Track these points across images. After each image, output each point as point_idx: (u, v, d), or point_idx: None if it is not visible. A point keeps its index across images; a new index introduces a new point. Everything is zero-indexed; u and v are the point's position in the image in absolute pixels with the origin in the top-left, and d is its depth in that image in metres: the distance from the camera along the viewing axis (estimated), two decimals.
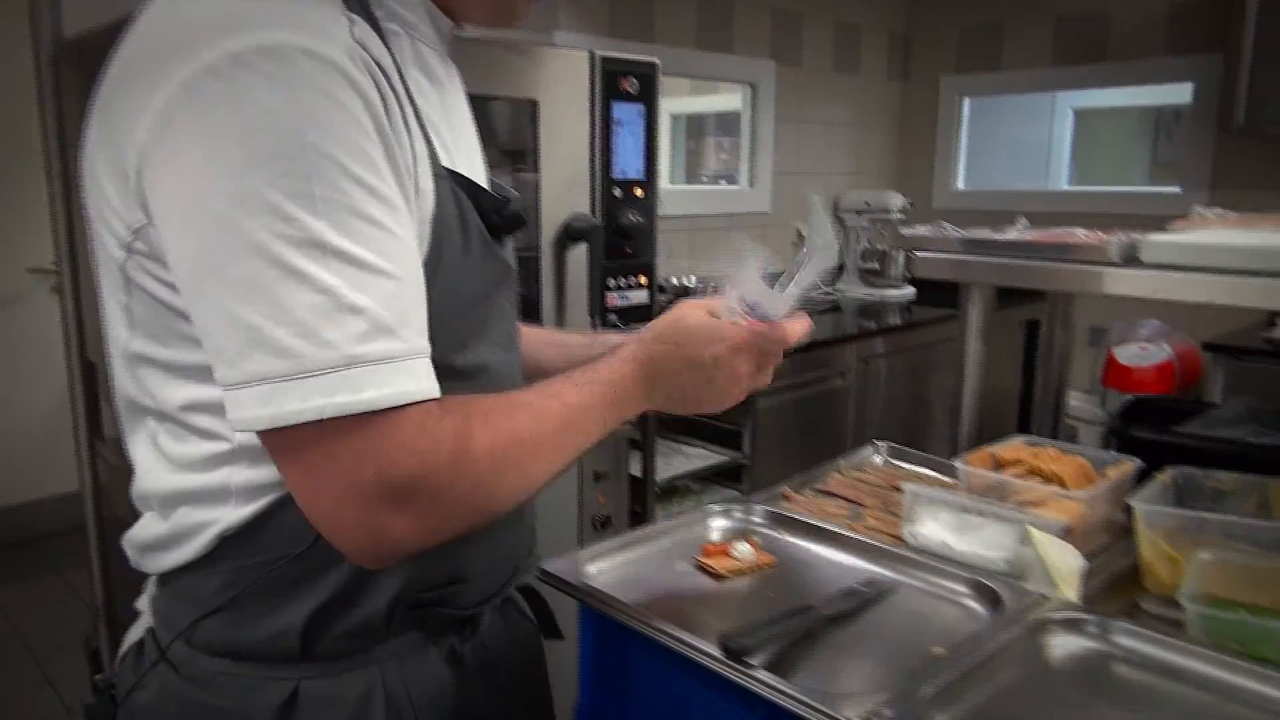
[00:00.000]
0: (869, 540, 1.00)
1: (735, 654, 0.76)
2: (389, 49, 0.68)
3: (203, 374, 0.66)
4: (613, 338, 0.97)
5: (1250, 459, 1.08)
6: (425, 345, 0.65)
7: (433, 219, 0.69)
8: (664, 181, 3.64)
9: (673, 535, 1.05)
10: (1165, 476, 1.03)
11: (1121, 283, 1.13)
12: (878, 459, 1.32)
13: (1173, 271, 1.09)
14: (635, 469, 2.51)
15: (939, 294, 3.19)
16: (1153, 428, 1.24)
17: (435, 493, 0.64)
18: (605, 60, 2.00)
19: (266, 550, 0.71)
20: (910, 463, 1.30)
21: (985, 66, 3.69)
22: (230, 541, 0.71)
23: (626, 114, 2.10)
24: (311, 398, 0.59)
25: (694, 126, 4.62)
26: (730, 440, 2.75)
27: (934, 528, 0.98)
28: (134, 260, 0.67)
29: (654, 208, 2.20)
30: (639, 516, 2.39)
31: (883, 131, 3.90)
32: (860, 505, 1.16)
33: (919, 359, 3.20)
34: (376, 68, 0.63)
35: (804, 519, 1.06)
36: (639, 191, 2.16)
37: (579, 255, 2.07)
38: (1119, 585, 0.97)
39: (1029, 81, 3.61)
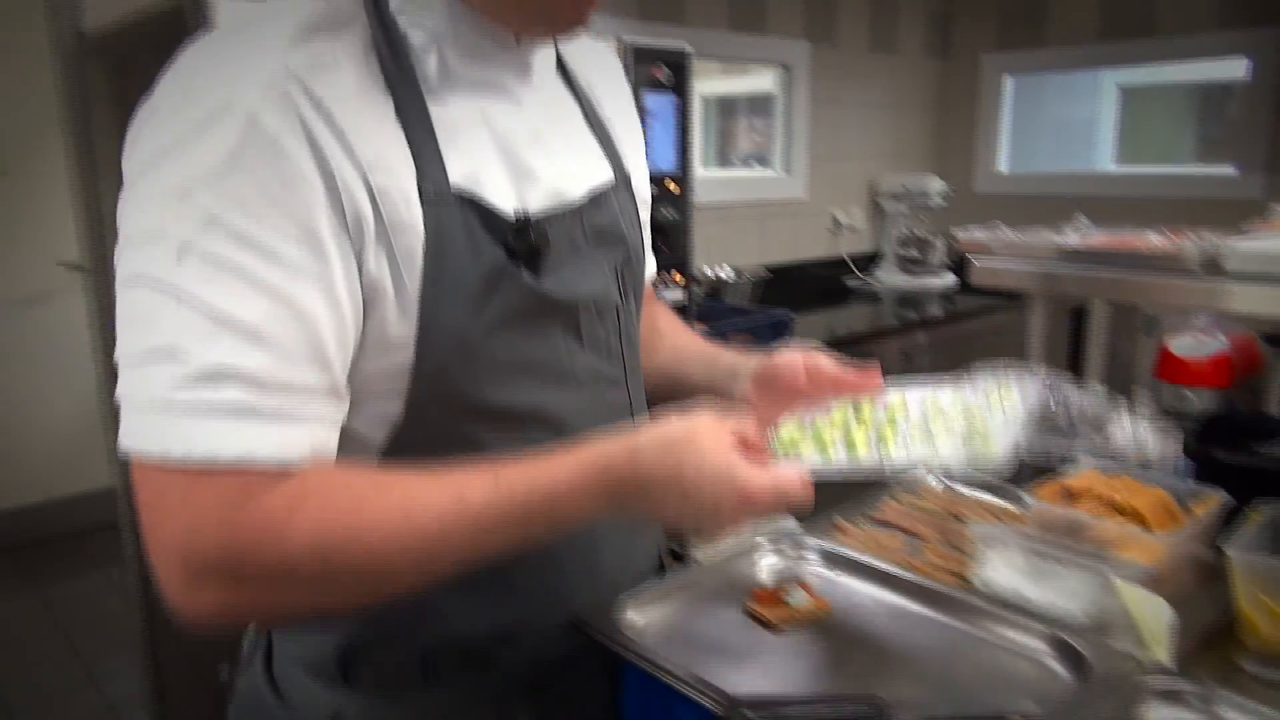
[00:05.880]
0: (931, 585, 0.92)
1: None
2: (399, 61, 0.66)
3: None
4: (728, 358, 0.95)
5: None
6: (308, 407, 0.62)
7: (424, 249, 0.65)
8: (696, 167, 3.53)
9: (719, 576, 0.97)
10: (1259, 515, 0.94)
11: (1205, 295, 1.05)
12: (934, 482, 1.24)
13: (1263, 284, 1.00)
14: None
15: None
16: (1231, 447, 1.14)
17: (236, 572, 0.60)
18: (635, 49, 1.91)
19: None
20: (969, 486, 1.22)
21: (1028, 43, 3.54)
22: None
23: (658, 104, 2.01)
24: (131, 435, 0.60)
25: (725, 108, 4.51)
26: None
27: (1006, 573, 0.90)
28: None
29: (689, 203, 2.12)
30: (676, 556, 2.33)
31: (921, 112, 3.76)
32: (918, 537, 1.09)
33: (966, 352, 3.10)
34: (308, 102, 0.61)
35: (860, 559, 0.98)
36: (673, 186, 2.08)
37: None
38: (1214, 642, 0.88)
39: (1074, 58, 3.45)
